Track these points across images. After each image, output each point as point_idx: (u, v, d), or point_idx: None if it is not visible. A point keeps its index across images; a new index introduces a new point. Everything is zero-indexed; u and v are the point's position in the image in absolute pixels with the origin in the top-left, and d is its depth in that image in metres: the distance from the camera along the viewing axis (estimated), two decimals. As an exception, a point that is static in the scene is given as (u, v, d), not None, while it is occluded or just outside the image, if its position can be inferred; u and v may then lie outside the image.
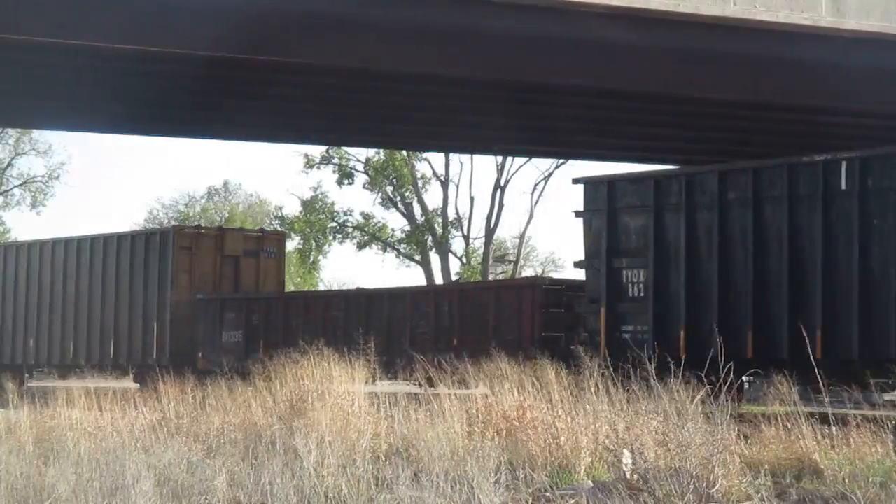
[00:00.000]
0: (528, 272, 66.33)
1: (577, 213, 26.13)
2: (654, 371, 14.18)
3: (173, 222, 71.37)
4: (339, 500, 12.37)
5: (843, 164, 23.44)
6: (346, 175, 60.09)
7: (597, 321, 25.26)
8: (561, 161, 57.18)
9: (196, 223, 37.83)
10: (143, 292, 35.96)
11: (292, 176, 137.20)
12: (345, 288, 54.21)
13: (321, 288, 63.27)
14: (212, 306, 34.78)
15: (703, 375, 14.73)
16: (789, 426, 14.04)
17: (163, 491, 12.70)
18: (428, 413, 15.20)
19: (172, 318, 35.08)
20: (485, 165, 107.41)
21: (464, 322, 28.72)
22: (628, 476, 12.96)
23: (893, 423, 14.63)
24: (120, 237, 38.00)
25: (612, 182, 26.01)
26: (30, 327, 39.46)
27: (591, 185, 26.27)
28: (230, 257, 36.21)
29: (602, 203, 25.67)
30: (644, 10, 23.25)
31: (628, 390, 14.58)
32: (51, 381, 37.33)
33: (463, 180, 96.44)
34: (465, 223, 61.44)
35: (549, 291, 28.03)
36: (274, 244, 37.52)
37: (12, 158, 67.17)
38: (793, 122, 30.32)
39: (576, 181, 26.61)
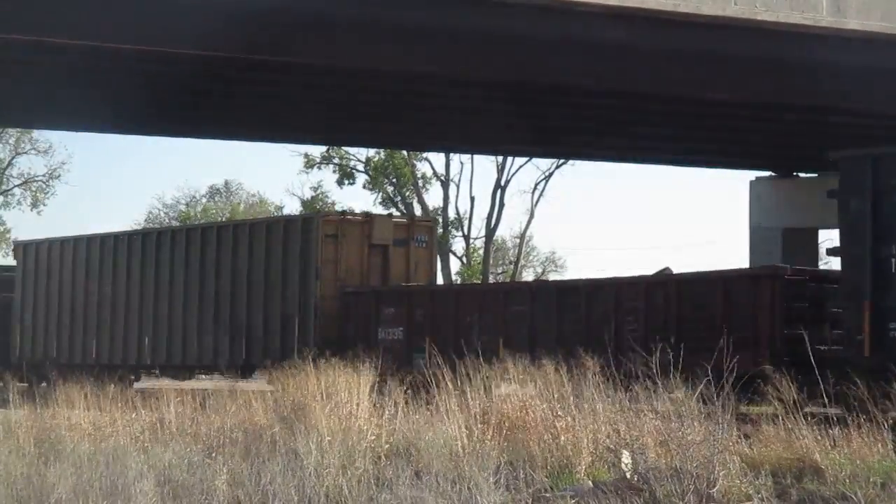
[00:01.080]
0: (528, 272, 66.34)
1: (831, 194, 22.98)
2: None
3: (174, 222, 71.33)
4: (339, 500, 12.36)
5: None
6: (346, 175, 60.11)
7: (857, 318, 21.99)
8: (561, 161, 57.18)
9: (341, 209, 33.26)
10: (280, 285, 32.37)
11: (292, 176, 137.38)
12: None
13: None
14: (364, 300, 31.08)
15: None
16: (790, 426, 14.03)
17: (163, 491, 12.70)
18: (428, 413, 15.18)
19: (317, 314, 31.53)
20: (485, 165, 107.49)
21: (683, 318, 24.68)
22: (628, 476, 12.95)
23: (891, 422, 14.60)
24: (253, 225, 34.66)
25: (878, 158, 22.60)
26: (145, 325, 35.51)
27: (851, 161, 22.84)
28: (378, 246, 32.68)
29: (866, 182, 22.20)
30: (644, 10, 23.25)
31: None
32: (168, 382, 33.18)
33: (463, 180, 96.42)
34: (466, 223, 61.47)
35: (792, 283, 24.12)
36: (425, 232, 33.86)
37: (13, 158, 67.18)
38: (793, 122, 30.33)
39: (832, 158, 23.32)
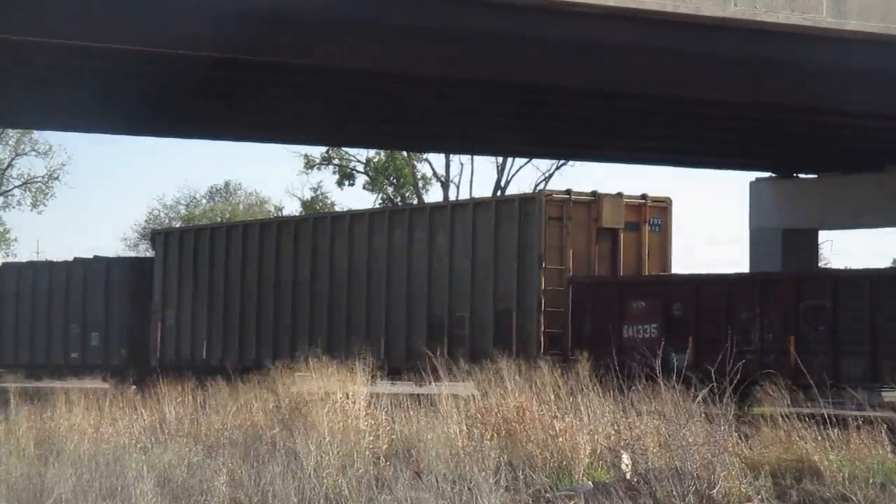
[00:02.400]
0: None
1: None
2: None
3: (175, 223, 71.28)
4: (339, 500, 12.36)
5: None
6: (346, 176, 60.08)
7: None
8: (561, 161, 57.15)
9: (566, 188, 28.45)
10: (492, 276, 28.02)
11: (292, 176, 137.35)
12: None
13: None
14: (603, 292, 27.09)
15: None
16: (789, 428, 14.04)
17: (163, 491, 12.69)
18: (428, 414, 15.18)
19: (542, 307, 27.26)
20: (485, 166, 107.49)
21: None
22: (628, 477, 12.95)
23: (887, 424, 14.60)
24: (455, 207, 30.22)
25: None
26: (317, 323, 31.40)
27: None
28: (607, 230, 28.57)
29: None
30: (644, 11, 23.25)
31: None
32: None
33: (463, 181, 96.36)
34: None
35: None
36: (659, 215, 29.43)
37: (13, 159, 67.15)
38: (793, 122, 30.31)
39: None
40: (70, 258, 38.79)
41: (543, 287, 27.00)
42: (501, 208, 28.57)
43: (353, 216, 31.93)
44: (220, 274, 33.63)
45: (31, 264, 41.44)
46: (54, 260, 39.91)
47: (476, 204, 29.72)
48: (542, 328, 26.62)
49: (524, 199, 28.85)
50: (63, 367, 37.24)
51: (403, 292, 29.35)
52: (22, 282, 38.70)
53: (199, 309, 33.73)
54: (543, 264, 27.05)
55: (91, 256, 38.04)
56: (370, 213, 32.39)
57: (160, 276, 34.92)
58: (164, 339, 34.18)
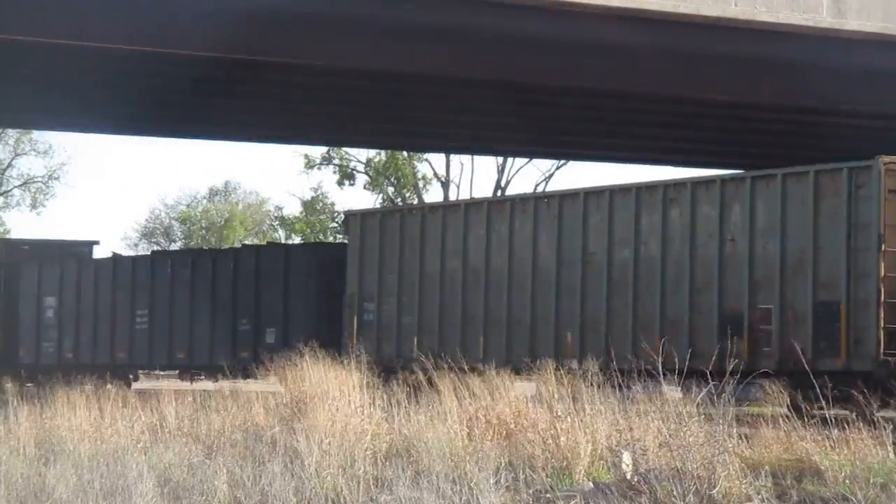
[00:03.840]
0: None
1: None
2: None
3: (175, 223, 71.31)
4: (338, 500, 12.36)
5: None
6: (346, 176, 60.11)
7: None
8: (561, 162, 57.14)
9: None
10: (811, 259, 23.42)
11: (293, 176, 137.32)
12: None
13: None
14: None
15: None
16: (789, 428, 14.04)
17: (163, 491, 12.70)
18: (428, 414, 15.18)
19: (881, 299, 22.56)
20: (485, 166, 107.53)
21: None
22: (628, 477, 12.95)
23: (892, 425, 14.60)
24: (756, 179, 24.51)
25: None
26: (489, 319, 27.67)
27: None
28: None
29: None
30: (644, 11, 23.26)
31: None
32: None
33: (464, 181, 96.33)
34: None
35: None
36: None
37: (12, 159, 67.19)
38: (793, 122, 30.33)
39: None
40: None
41: (883, 274, 22.63)
42: (822, 180, 23.65)
43: (589, 195, 26.52)
44: (434, 261, 28.65)
45: (190, 252, 38.86)
46: (220, 247, 36.64)
47: (787, 175, 24.23)
48: (882, 323, 22.46)
49: (855, 169, 23.57)
50: (232, 367, 31.49)
51: (685, 282, 24.85)
52: (177, 272, 34.61)
53: (405, 300, 29.07)
54: (883, 247, 22.71)
55: (264, 243, 35.15)
56: (613, 191, 26.24)
57: (355, 263, 29.88)
58: (362, 334, 29.40)
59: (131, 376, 35.75)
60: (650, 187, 25.69)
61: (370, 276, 29.57)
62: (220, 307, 33.29)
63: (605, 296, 25.77)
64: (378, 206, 32.69)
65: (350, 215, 31.10)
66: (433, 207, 29.60)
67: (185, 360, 34.20)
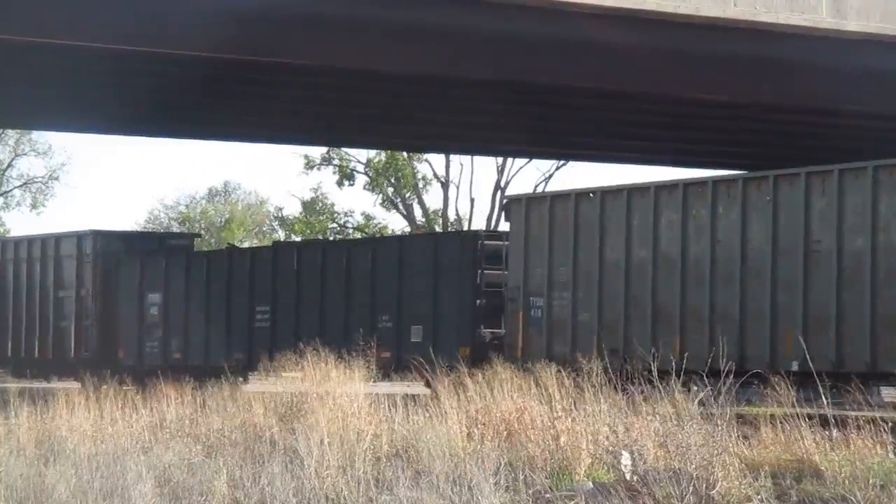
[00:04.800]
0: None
1: None
2: None
3: (175, 224, 71.34)
4: (338, 501, 12.36)
5: None
6: (346, 176, 60.06)
7: None
8: (561, 162, 57.12)
9: None
10: None
11: (292, 177, 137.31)
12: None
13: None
14: None
15: None
16: (789, 428, 14.04)
17: (163, 491, 12.70)
18: (428, 414, 15.19)
19: None
20: (485, 166, 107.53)
21: None
22: (628, 477, 12.96)
23: (892, 424, 14.61)
24: None
25: None
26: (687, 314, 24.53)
27: None
28: None
29: None
30: (644, 12, 23.26)
31: None
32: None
33: (463, 181, 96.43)
34: (466, 224, 61.43)
35: None
36: None
37: (12, 159, 67.17)
38: (793, 123, 30.33)
39: None
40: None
41: None
42: None
43: (811, 175, 23.53)
44: (617, 250, 25.44)
45: (319, 242, 34.31)
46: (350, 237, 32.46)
47: None
48: None
49: None
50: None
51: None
52: (304, 265, 31.61)
53: (581, 294, 25.91)
54: None
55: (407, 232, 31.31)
56: (843, 172, 23.16)
57: (519, 254, 26.79)
58: (527, 333, 26.29)
59: (240, 379, 30.33)
60: (892, 166, 22.60)
61: (537, 267, 26.48)
62: (355, 303, 30.28)
63: (835, 290, 22.71)
64: (536, 190, 28.79)
65: (513, 201, 27.82)
66: (615, 190, 25.78)
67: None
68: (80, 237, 36.29)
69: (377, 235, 31.64)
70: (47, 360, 36.07)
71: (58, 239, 36.89)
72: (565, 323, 26.02)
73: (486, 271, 28.20)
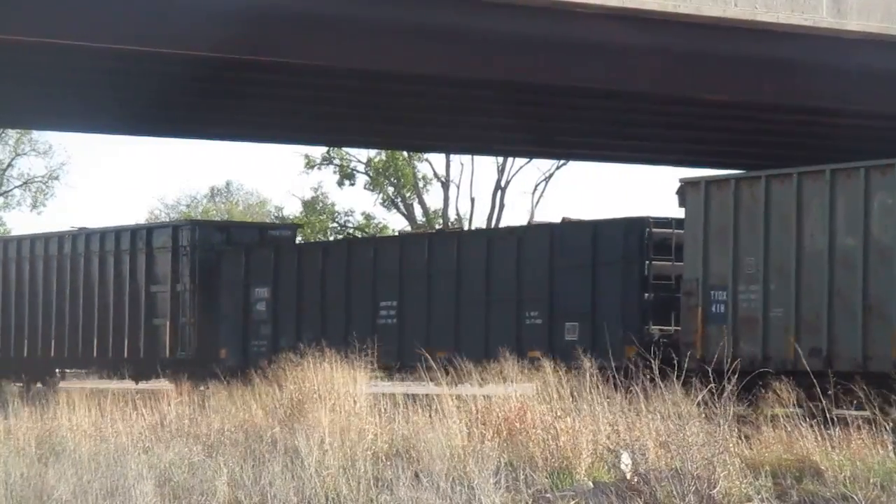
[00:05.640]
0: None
1: None
2: None
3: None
4: (338, 500, 12.36)
5: None
6: (346, 176, 60.08)
7: None
8: (561, 162, 57.12)
9: None
10: None
11: (293, 176, 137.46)
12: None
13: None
14: None
15: None
16: (790, 428, 14.04)
17: (163, 491, 12.70)
18: (428, 414, 15.19)
19: None
20: (485, 166, 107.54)
21: None
22: (628, 477, 12.95)
23: (893, 424, 14.61)
24: None
25: None
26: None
27: None
28: None
29: None
30: (644, 11, 23.25)
31: None
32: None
33: (464, 181, 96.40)
34: (466, 224, 61.44)
35: None
36: None
37: (12, 159, 67.17)
38: (793, 123, 30.33)
39: None
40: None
41: None
42: None
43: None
44: (819, 238, 22.86)
45: (452, 233, 30.55)
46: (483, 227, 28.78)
47: None
48: None
49: None
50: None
51: None
52: (436, 256, 28.88)
53: (774, 287, 23.26)
54: None
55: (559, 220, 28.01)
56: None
57: (697, 242, 24.17)
58: (707, 331, 23.75)
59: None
60: None
61: (720, 257, 23.83)
62: (497, 298, 27.56)
63: None
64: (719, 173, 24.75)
65: (689, 184, 24.60)
66: (815, 172, 23.16)
67: (447, 359, 26.13)
68: (175, 227, 34.38)
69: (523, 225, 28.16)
70: (138, 361, 33.48)
71: (150, 230, 34.94)
72: (754, 319, 23.30)
73: (653, 262, 25.46)
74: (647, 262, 25.40)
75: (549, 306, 26.72)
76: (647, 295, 25.34)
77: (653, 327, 25.17)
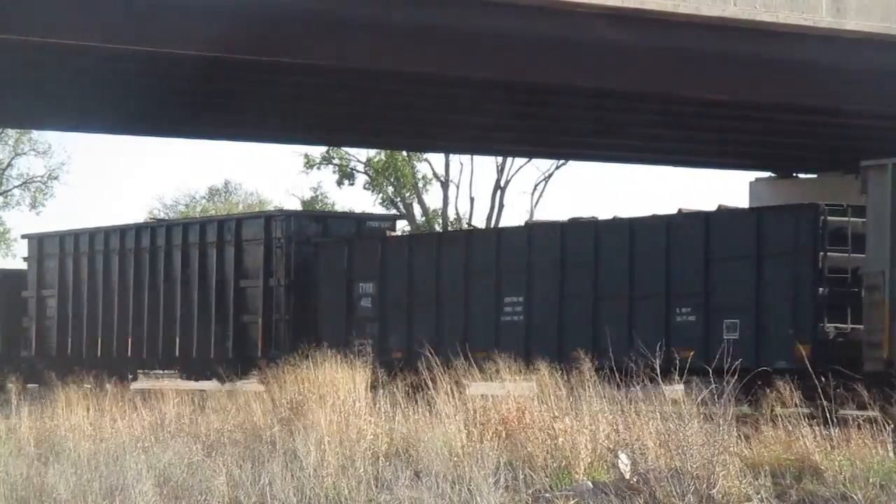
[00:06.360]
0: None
1: None
2: None
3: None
4: (338, 500, 12.36)
5: None
6: (346, 175, 60.10)
7: None
8: (561, 162, 57.11)
9: None
10: None
11: (292, 176, 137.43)
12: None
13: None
14: None
15: None
16: (790, 427, 14.04)
17: (163, 491, 12.70)
18: (427, 414, 15.18)
19: None
20: (485, 166, 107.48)
21: None
22: (627, 477, 12.95)
23: (893, 424, 14.60)
24: None
25: None
26: None
27: None
28: None
29: None
30: (644, 11, 23.25)
31: None
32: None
33: (463, 181, 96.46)
34: (466, 224, 61.44)
35: None
36: None
37: (12, 159, 67.15)
38: (793, 122, 30.34)
39: None
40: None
41: None
42: None
43: None
44: None
45: (590, 223, 27.07)
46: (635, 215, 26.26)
47: None
48: None
49: None
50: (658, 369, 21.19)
51: None
52: (569, 248, 26.52)
53: None
54: None
55: (716, 208, 25.51)
56: None
57: (882, 231, 22.03)
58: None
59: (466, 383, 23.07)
60: None
61: None
62: (641, 293, 25.40)
63: None
64: None
65: (873, 168, 22.42)
66: None
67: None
68: (269, 218, 32.08)
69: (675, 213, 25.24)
70: (226, 361, 30.73)
71: (239, 221, 32.87)
72: None
73: (828, 253, 23.34)
74: (822, 253, 23.14)
75: (703, 301, 24.48)
76: (821, 289, 23.12)
77: (828, 325, 23.05)
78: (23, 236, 37.74)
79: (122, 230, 35.31)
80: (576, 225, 26.98)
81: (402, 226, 31.27)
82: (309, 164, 60.00)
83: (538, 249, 27.00)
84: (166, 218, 34.66)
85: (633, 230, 25.78)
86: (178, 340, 32.69)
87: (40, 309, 36.84)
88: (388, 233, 31.49)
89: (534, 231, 27.99)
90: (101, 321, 34.83)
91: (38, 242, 37.32)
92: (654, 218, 25.82)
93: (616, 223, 26.43)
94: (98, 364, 33.40)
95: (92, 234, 36.10)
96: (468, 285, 27.81)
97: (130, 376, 34.37)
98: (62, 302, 36.11)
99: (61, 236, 36.91)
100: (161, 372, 36.65)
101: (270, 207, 73.47)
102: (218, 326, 31.84)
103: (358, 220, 33.71)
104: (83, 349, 35.22)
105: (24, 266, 38.71)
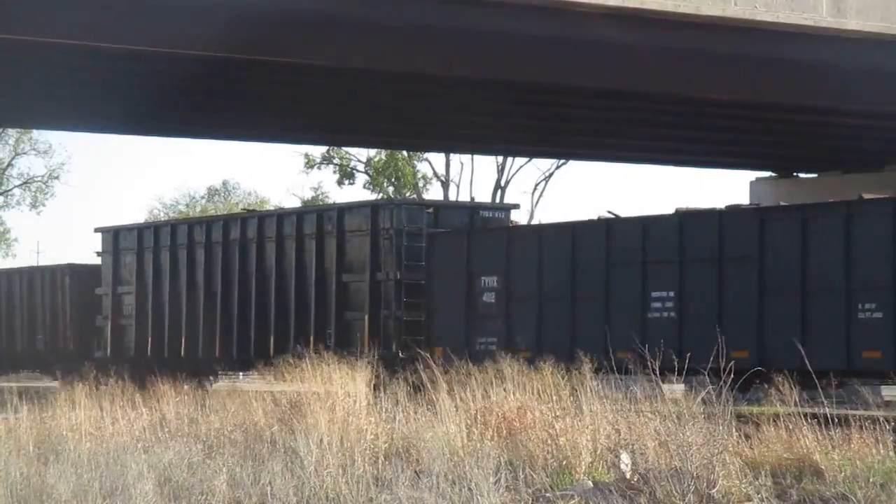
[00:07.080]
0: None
1: None
2: None
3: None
4: (338, 500, 12.35)
5: None
6: (346, 175, 60.16)
7: None
8: (561, 161, 57.14)
9: None
10: None
11: (293, 176, 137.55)
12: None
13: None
14: None
15: None
16: (790, 427, 14.04)
17: (163, 491, 12.69)
18: (428, 413, 15.18)
19: None
20: (485, 166, 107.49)
21: None
22: (628, 476, 12.95)
23: (894, 423, 14.60)
24: None
25: None
26: None
27: None
28: None
29: None
30: (644, 11, 23.25)
31: None
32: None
33: (463, 180, 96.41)
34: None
35: None
36: None
37: (12, 158, 67.20)
38: (793, 122, 30.34)
39: None
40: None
41: None
42: None
43: None
44: None
45: (753, 209, 25.13)
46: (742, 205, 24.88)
47: None
48: None
49: None
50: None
51: None
52: (727, 236, 24.18)
53: None
54: None
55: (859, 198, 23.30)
56: None
57: None
58: None
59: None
60: None
61: None
62: (816, 287, 22.90)
63: None
64: None
65: None
66: None
67: (748, 360, 22.32)
68: (375, 208, 29.95)
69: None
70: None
71: (341, 211, 30.58)
72: None
73: None
74: None
75: (894, 297, 21.94)
76: None
77: None
78: (96, 230, 35.92)
79: (208, 222, 34.00)
80: (735, 213, 24.63)
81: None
82: (309, 163, 60.09)
83: (691, 240, 24.65)
84: (257, 210, 32.03)
85: (806, 219, 23.36)
86: (272, 340, 30.70)
87: (116, 306, 34.98)
88: (512, 222, 29.90)
89: (686, 220, 25.14)
90: (184, 319, 32.87)
91: (114, 236, 35.47)
92: (833, 204, 23.51)
93: (784, 210, 24.13)
94: (184, 365, 31.58)
95: (174, 226, 34.81)
96: (608, 279, 25.56)
97: (211, 377, 32.54)
98: (141, 299, 34.21)
99: (139, 229, 35.38)
100: (250, 374, 34.71)
101: (270, 207, 73.52)
102: (317, 324, 29.72)
103: (471, 210, 31.16)
104: (165, 349, 33.31)
105: (80, 262, 37.02)
